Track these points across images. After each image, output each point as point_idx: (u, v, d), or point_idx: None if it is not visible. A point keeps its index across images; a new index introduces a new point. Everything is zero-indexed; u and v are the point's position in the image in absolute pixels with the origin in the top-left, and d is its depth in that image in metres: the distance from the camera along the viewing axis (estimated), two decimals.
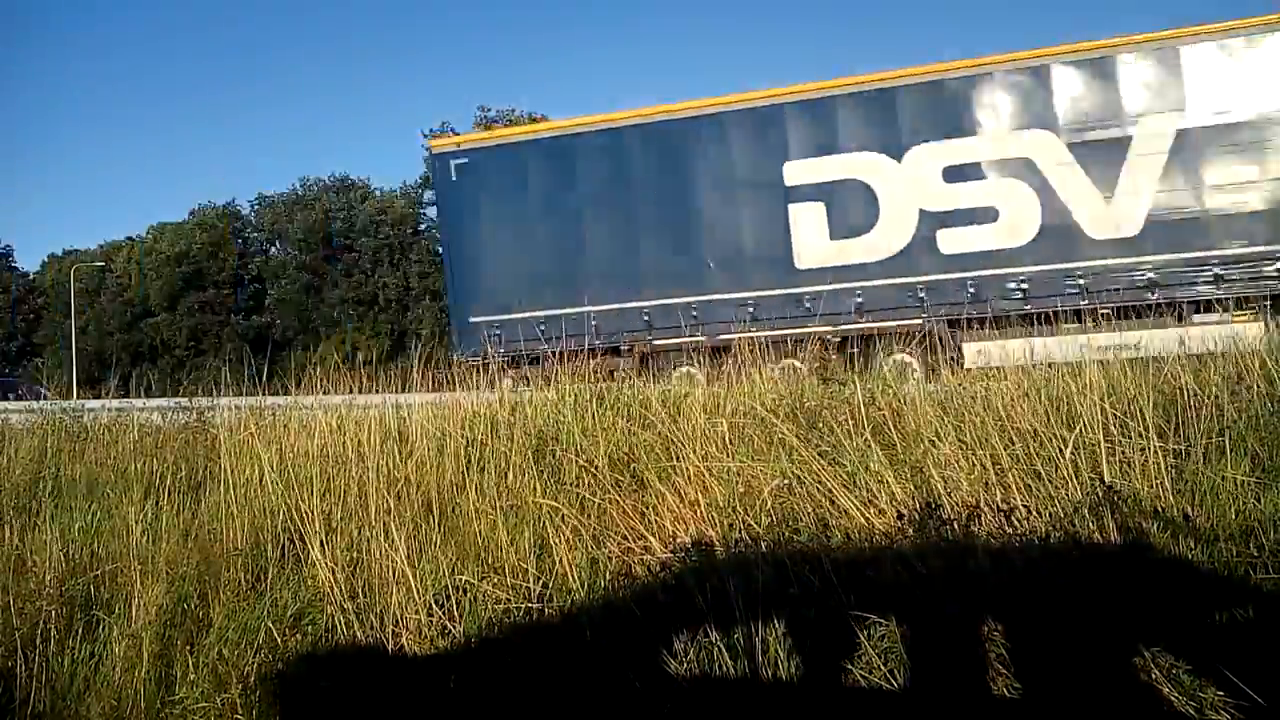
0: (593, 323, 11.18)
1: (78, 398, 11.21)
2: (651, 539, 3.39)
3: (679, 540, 3.23)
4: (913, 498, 3.20)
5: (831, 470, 3.48)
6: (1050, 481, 3.15)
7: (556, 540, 3.36)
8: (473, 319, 12.10)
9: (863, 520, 3.20)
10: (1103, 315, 9.26)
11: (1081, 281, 10.00)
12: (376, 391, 5.74)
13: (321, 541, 3.46)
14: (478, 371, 6.66)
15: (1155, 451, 3.12)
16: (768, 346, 6.04)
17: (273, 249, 41.63)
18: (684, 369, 10.31)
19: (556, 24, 68.04)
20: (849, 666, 2.50)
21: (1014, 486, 3.16)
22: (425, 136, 40.06)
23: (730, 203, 11.44)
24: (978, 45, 64.43)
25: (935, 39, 63.10)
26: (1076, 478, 3.10)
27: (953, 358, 9.50)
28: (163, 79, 67.34)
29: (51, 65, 63.88)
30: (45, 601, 3.15)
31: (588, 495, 3.73)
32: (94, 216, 74.34)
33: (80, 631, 3.13)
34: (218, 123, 67.54)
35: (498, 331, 11.80)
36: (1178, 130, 9.94)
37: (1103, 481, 2.97)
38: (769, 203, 11.26)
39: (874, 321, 10.70)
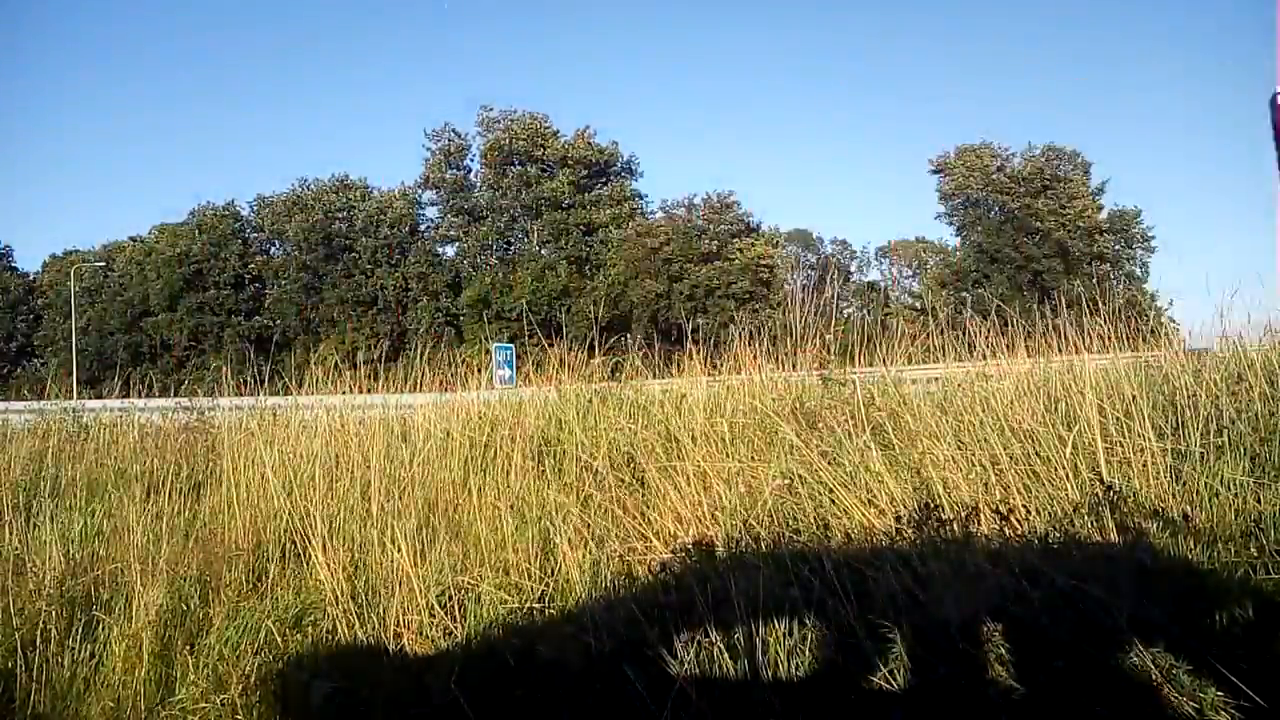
0: None
1: (78, 398, 11.20)
2: (653, 539, 3.39)
3: (680, 540, 3.23)
4: (912, 498, 3.20)
5: (831, 471, 3.49)
6: (1049, 482, 3.15)
7: (559, 540, 3.37)
8: None
9: (863, 520, 3.21)
10: None
11: None
12: (377, 392, 5.74)
13: (323, 542, 3.46)
14: (479, 371, 6.66)
15: (1154, 451, 3.12)
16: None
17: (273, 249, 41.61)
18: None
19: (559, 24, 68.06)
20: (849, 667, 2.50)
21: (1013, 487, 3.17)
22: (428, 136, 40.12)
23: None
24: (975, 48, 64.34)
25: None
26: (1075, 478, 3.10)
27: None
28: (163, 80, 67.40)
29: (53, 66, 63.91)
30: (45, 602, 3.14)
31: (590, 495, 3.73)
32: (94, 218, 74.45)
33: (80, 632, 3.12)
34: (218, 124, 67.61)
35: None
36: None
37: (1102, 481, 2.97)
38: None
39: None
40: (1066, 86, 60.23)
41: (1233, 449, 3.16)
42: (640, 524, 3.50)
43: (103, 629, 3.15)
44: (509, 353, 10.81)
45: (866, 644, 2.51)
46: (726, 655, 2.60)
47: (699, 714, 2.39)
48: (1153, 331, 5.27)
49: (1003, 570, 2.58)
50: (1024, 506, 3.05)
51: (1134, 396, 3.41)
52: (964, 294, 34.78)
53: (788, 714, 2.35)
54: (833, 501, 3.35)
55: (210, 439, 6.18)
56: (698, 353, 5.56)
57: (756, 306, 33.87)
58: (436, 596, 3.21)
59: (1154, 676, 2.26)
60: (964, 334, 5.18)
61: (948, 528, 2.90)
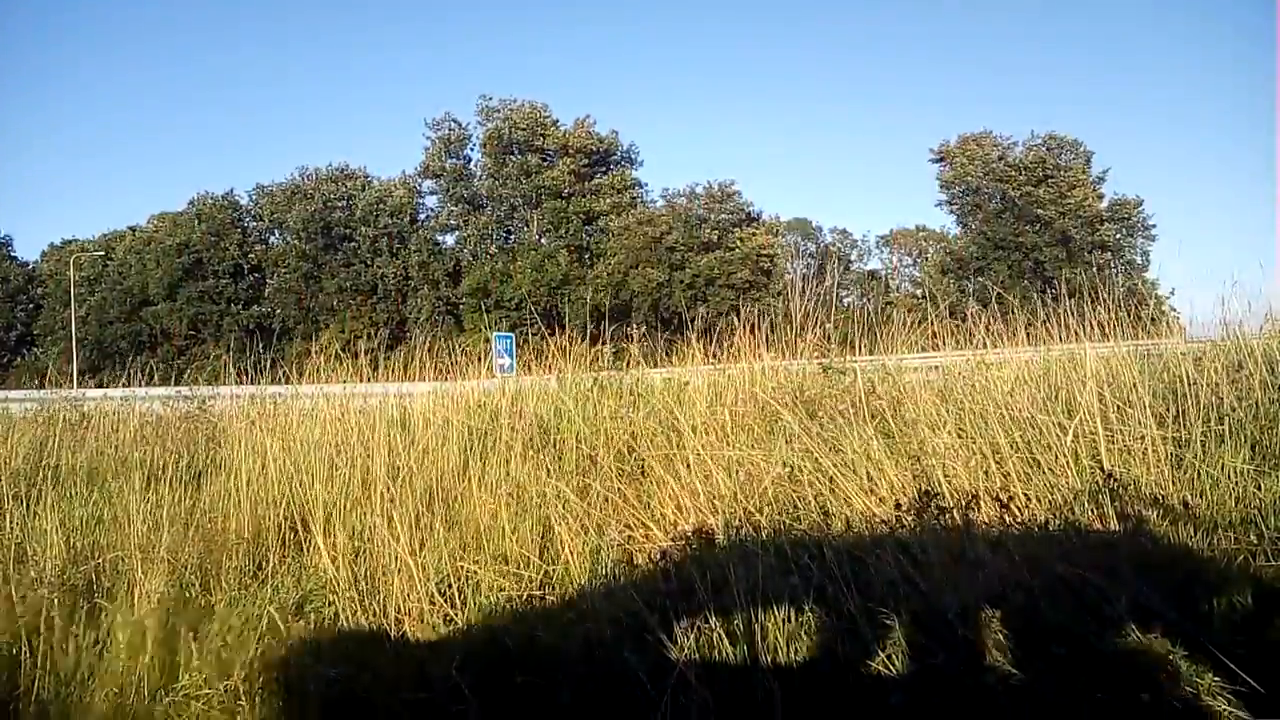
0: None
1: (79, 387, 11.20)
2: (653, 526, 3.40)
3: (680, 528, 3.23)
4: (912, 486, 3.20)
5: (832, 459, 3.49)
6: (1049, 469, 3.16)
7: (558, 528, 3.37)
8: None
9: (863, 508, 3.21)
10: None
11: None
12: (377, 380, 5.74)
13: (324, 529, 3.47)
14: (479, 359, 6.66)
15: (1155, 439, 3.12)
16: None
17: (272, 238, 41.53)
18: None
19: (558, 14, 67.57)
20: (849, 654, 2.51)
21: (1013, 474, 3.17)
22: (428, 125, 39.96)
23: None
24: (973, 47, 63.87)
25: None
26: (1075, 466, 3.10)
27: None
28: (163, 69, 66.95)
29: (52, 56, 63.49)
30: (47, 590, 3.15)
31: (589, 483, 3.73)
32: (93, 207, 74.27)
33: (83, 619, 3.13)
34: (218, 112, 67.28)
35: None
36: None
37: (1102, 469, 2.98)
38: None
39: None
40: (1069, 76, 59.93)
41: (1233, 437, 3.16)
42: (640, 512, 3.51)
43: (105, 616, 3.16)
44: (509, 342, 10.81)
45: (866, 630, 2.51)
46: (726, 641, 2.61)
47: (699, 700, 2.40)
48: (1154, 320, 5.26)
49: (1002, 557, 2.58)
50: (1024, 494, 3.06)
51: (1134, 385, 3.41)
52: (965, 282, 34.75)
53: (787, 699, 2.36)
54: (833, 489, 3.35)
55: (211, 427, 6.19)
56: (698, 341, 5.56)
57: (757, 295, 33.83)
58: (437, 584, 3.22)
59: (1153, 663, 2.27)
60: (964, 322, 5.18)
61: (948, 515, 2.91)
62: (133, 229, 41.75)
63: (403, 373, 5.90)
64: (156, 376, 9.22)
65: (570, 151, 38.28)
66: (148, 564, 3.26)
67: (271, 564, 3.52)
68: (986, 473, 3.21)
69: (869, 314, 5.60)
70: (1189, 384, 3.58)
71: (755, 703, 2.39)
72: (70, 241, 43.04)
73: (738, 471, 3.58)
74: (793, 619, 2.61)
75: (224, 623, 3.11)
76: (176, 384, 9.07)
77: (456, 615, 3.13)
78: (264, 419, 5.11)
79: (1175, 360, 4.01)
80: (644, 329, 6.32)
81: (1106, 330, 4.52)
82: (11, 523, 3.88)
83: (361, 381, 5.73)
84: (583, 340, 6.07)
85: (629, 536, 3.43)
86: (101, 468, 5.14)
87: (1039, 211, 36.55)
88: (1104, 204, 38.51)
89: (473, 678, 2.62)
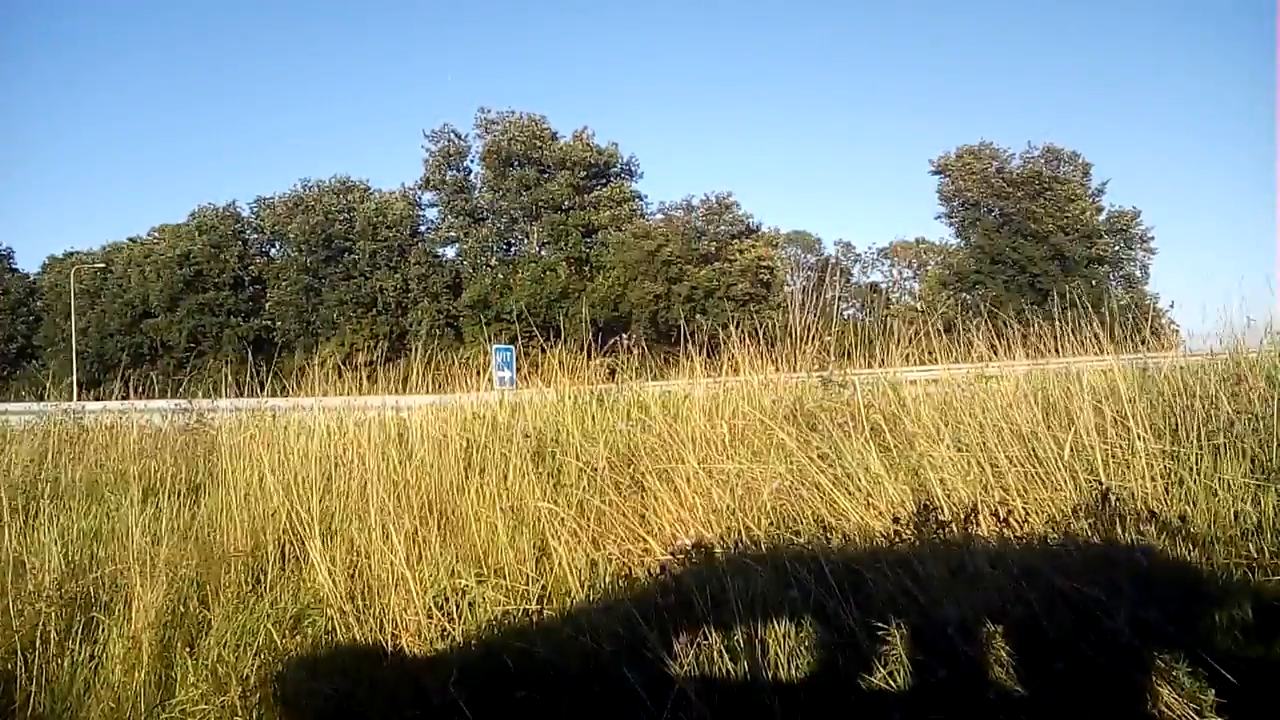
0: None
1: (78, 399, 11.20)
2: (651, 541, 3.39)
3: (678, 542, 3.23)
4: (911, 500, 3.20)
5: (830, 473, 3.49)
6: (1047, 484, 3.16)
7: (556, 543, 3.37)
8: None
9: (861, 522, 3.21)
10: None
11: None
12: (376, 393, 5.74)
13: (321, 544, 3.46)
14: (479, 372, 6.66)
15: (1153, 453, 3.13)
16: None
17: (273, 250, 41.64)
18: None
19: (557, 28, 68.12)
20: (849, 669, 2.50)
21: (1012, 488, 3.17)
22: (427, 137, 40.17)
23: None
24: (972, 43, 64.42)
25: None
26: (1074, 480, 3.10)
27: None
28: (164, 81, 67.42)
29: (53, 67, 63.93)
30: (44, 603, 3.14)
31: (587, 497, 3.73)
32: (95, 219, 74.55)
33: (80, 633, 3.12)
34: (219, 125, 67.70)
35: None
36: None
37: (1099, 483, 2.98)
38: None
39: None
40: (1070, 83, 60.34)
41: (1232, 451, 3.16)
42: (638, 526, 3.50)
43: (102, 630, 3.15)
44: (508, 354, 10.79)
45: (866, 645, 2.51)
46: (726, 657, 2.60)
47: (699, 716, 2.39)
48: (1153, 333, 5.27)
49: (1002, 571, 2.58)
50: (1023, 508, 3.05)
51: (1132, 399, 3.42)
52: (963, 295, 34.83)
53: (788, 716, 2.35)
54: (831, 504, 3.35)
55: (209, 440, 6.19)
56: (697, 354, 5.57)
57: (756, 308, 33.86)
58: (434, 598, 3.21)
59: (1153, 678, 2.26)
60: (960, 335, 5.19)
61: (946, 529, 2.90)
62: (133, 241, 41.84)
63: (402, 386, 5.90)
64: (156, 389, 9.22)
65: (569, 164, 38.44)
66: (146, 578, 3.25)
67: (270, 577, 3.51)
68: (985, 487, 3.21)
69: (868, 327, 5.60)
70: (1187, 398, 3.59)
71: (755, 719, 2.38)
72: (71, 254, 43.12)
73: (736, 485, 3.57)
74: (793, 634, 2.60)
75: (221, 637, 3.10)
76: (176, 397, 9.07)
77: (453, 629, 3.12)
78: (263, 432, 5.11)
79: (1173, 374, 4.01)
80: (643, 341, 6.31)
81: (1103, 344, 4.53)
82: (11, 535, 3.86)
83: (361, 395, 5.73)
84: (582, 353, 6.07)
85: (627, 550, 3.42)
86: (100, 481, 5.14)
87: (1034, 226, 36.67)
88: (1102, 216, 38.64)
89: (470, 693, 2.60)
